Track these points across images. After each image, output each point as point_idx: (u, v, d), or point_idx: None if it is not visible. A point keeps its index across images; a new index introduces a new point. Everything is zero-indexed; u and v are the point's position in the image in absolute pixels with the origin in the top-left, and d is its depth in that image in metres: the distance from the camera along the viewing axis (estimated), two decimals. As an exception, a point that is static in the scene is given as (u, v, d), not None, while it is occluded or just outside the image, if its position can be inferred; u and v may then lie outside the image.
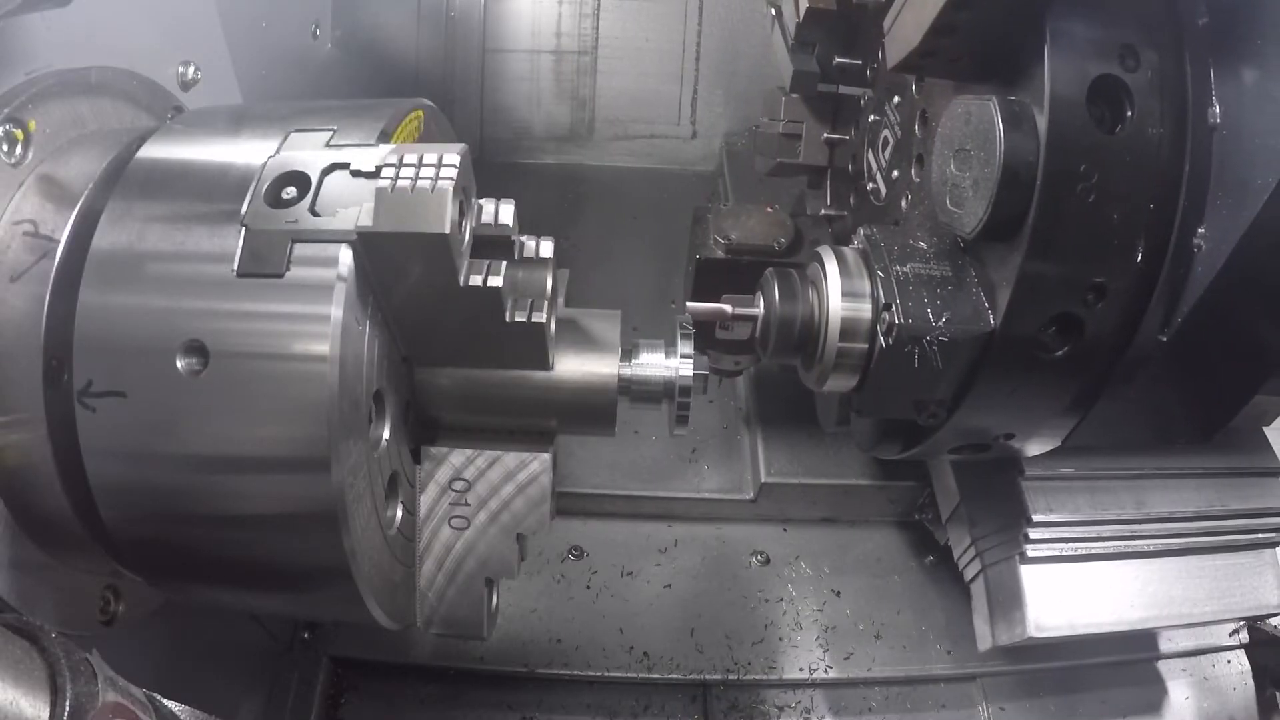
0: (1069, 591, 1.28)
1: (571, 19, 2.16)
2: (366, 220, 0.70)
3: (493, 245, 0.81)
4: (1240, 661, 1.61)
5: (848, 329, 0.99)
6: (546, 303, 0.83)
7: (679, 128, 2.29)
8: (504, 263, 0.78)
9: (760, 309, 1.08)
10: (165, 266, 0.74)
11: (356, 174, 0.72)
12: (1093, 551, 1.30)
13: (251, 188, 0.73)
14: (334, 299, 0.69)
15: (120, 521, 0.77)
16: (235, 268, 0.71)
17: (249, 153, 0.79)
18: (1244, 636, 1.61)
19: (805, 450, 1.61)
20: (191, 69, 1.09)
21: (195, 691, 0.82)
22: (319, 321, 0.69)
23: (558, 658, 1.46)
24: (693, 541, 1.64)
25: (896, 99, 1.20)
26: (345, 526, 0.73)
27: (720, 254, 1.44)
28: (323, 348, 0.68)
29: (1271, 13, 0.81)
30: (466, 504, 0.90)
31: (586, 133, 2.27)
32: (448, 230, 0.70)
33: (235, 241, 0.72)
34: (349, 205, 0.71)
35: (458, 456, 0.90)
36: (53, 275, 0.79)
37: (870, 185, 1.32)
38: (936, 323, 0.92)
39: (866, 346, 0.99)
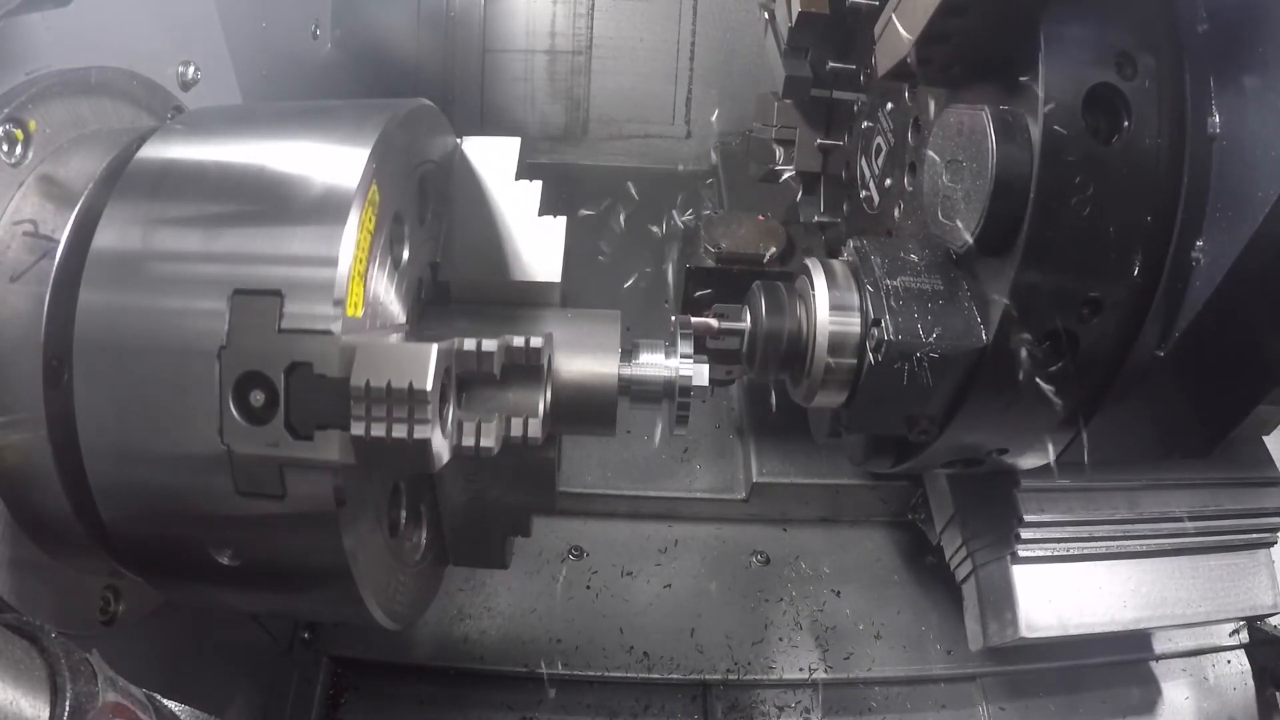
0: (1061, 592, 1.28)
1: (566, 19, 2.16)
2: (349, 455, 0.69)
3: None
4: (1240, 661, 1.61)
5: (836, 344, 0.97)
6: (541, 423, 0.80)
7: (673, 127, 2.30)
8: (493, 424, 0.76)
9: (747, 323, 1.07)
10: (165, 266, 0.74)
11: (321, 378, 0.67)
12: (1085, 552, 1.30)
13: (218, 385, 0.69)
14: (352, 204, 0.70)
15: (120, 521, 0.77)
16: (234, 487, 0.70)
17: (248, 152, 0.79)
18: (1244, 636, 1.61)
19: (797, 450, 1.62)
20: (191, 69, 1.09)
21: (195, 691, 0.82)
22: (335, 224, 0.70)
23: (558, 658, 1.46)
24: (692, 542, 1.64)
25: (890, 105, 1.20)
26: (345, 526, 0.73)
27: (710, 263, 1.44)
28: (334, 250, 0.69)
29: (1273, 20, 0.79)
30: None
31: (580, 132, 2.27)
32: (436, 468, 0.71)
33: (238, 243, 0.73)
34: (325, 421, 0.68)
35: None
36: (53, 275, 0.79)
37: (863, 193, 1.31)
38: (927, 338, 0.90)
39: (855, 362, 0.97)
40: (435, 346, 0.68)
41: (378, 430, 0.67)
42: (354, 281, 0.70)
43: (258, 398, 0.69)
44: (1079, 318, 0.87)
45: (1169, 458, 1.26)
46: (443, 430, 0.72)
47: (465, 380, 0.78)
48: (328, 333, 0.67)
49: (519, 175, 0.98)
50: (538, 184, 0.98)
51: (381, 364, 0.67)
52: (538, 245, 0.95)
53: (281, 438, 0.69)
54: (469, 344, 0.75)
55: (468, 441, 0.76)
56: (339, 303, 0.68)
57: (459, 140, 0.99)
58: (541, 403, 0.81)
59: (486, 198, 0.98)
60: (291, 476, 0.70)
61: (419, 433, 0.67)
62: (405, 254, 0.85)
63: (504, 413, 0.79)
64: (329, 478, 0.70)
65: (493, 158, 0.98)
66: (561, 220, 0.96)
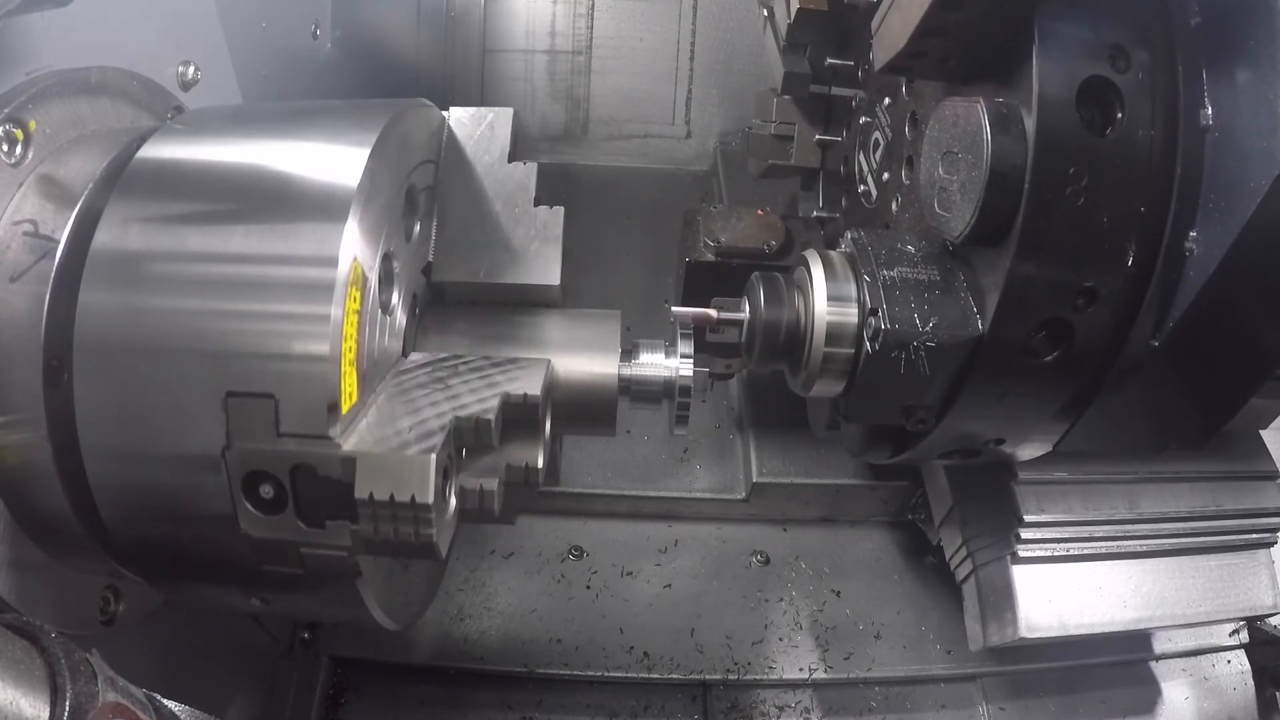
0: (1061, 592, 1.28)
1: (566, 19, 2.17)
2: (360, 546, 0.71)
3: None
4: (1240, 661, 1.61)
5: (834, 334, 0.98)
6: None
7: (673, 127, 2.30)
8: (495, 484, 0.77)
9: (745, 314, 1.08)
10: (165, 266, 0.74)
11: (326, 479, 0.69)
12: (1085, 552, 1.30)
13: (227, 481, 0.70)
14: (334, 299, 0.69)
15: (120, 521, 0.77)
16: (255, 561, 0.73)
17: (248, 152, 0.79)
18: (1244, 636, 1.61)
19: (797, 450, 1.62)
20: (191, 69, 1.09)
21: (195, 691, 0.82)
22: (319, 322, 0.69)
23: (558, 658, 1.46)
24: (692, 542, 1.64)
25: (887, 100, 1.20)
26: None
27: (710, 257, 1.44)
28: (323, 348, 0.69)
29: (1264, 13, 0.80)
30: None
31: (581, 132, 2.27)
32: (441, 557, 0.72)
33: (238, 243, 0.73)
34: (334, 514, 0.70)
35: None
36: (53, 275, 0.79)
37: (861, 188, 1.32)
38: (924, 327, 0.91)
39: (853, 352, 0.98)
40: (433, 459, 0.69)
41: (384, 531, 0.69)
42: (345, 373, 0.70)
43: (267, 491, 0.71)
44: (1074, 307, 0.87)
45: (1165, 448, 1.26)
46: (446, 514, 0.73)
47: (465, 445, 0.78)
48: (325, 438, 0.68)
49: (514, 154, 0.92)
50: (533, 166, 0.93)
51: (382, 475, 0.68)
52: (534, 241, 0.91)
53: (294, 526, 0.71)
54: (467, 413, 0.75)
55: (471, 505, 0.78)
56: (333, 407, 0.68)
57: (445, 113, 0.92)
58: (541, 453, 0.82)
59: (477, 185, 0.91)
60: (308, 552, 0.73)
61: (423, 536, 0.70)
62: (396, 296, 0.82)
63: (505, 465, 0.81)
64: (345, 553, 0.72)
65: (483, 134, 0.91)
66: (559, 211, 0.92)
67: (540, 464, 0.82)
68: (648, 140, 2.30)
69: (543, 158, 2.27)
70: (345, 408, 0.70)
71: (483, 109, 0.94)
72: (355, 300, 0.71)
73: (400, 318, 0.85)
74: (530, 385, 0.80)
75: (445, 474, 0.72)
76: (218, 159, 0.80)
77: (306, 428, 0.68)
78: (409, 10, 2.07)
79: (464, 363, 0.85)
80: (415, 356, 0.86)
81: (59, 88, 0.87)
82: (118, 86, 0.96)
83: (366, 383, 0.76)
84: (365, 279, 0.73)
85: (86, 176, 0.84)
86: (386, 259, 0.79)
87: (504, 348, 0.91)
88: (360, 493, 0.67)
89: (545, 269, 0.91)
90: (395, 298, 0.82)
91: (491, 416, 0.75)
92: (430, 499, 0.68)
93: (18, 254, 0.81)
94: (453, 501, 0.76)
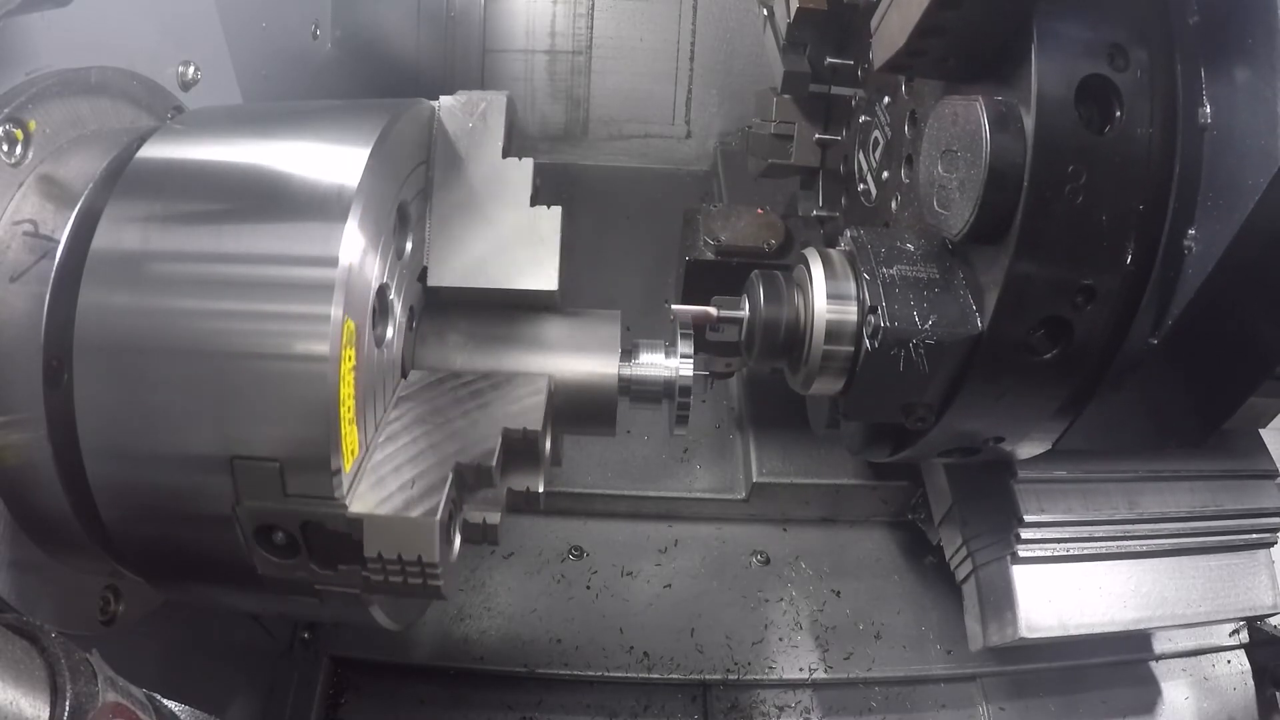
0: (1061, 592, 1.28)
1: (566, 19, 2.17)
2: (371, 587, 0.74)
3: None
4: (1240, 661, 1.61)
5: (833, 332, 0.98)
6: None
7: (673, 127, 2.30)
8: (497, 515, 0.80)
9: (745, 312, 1.08)
10: (165, 266, 0.74)
11: (335, 534, 0.71)
12: (1085, 552, 1.30)
13: (239, 532, 0.73)
14: (334, 300, 0.69)
15: (120, 521, 0.77)
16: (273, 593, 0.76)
17: (248, 152, 0.79)
18: (1244, 636, 1.61)
19: (797, 450, 1.62)
20: (191, 69, 1.09)
21: (195, 691, 0.82)
22: (319, 321, 0.69)
23: (558, 658, 1.46)
24: (692, 542, 1.64)
25: (887, 99, 1.20)
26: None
27: (710, 255, 1.44)
28: (323, 347, 0.69)
29: (1263, 12, 0.80)
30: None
31: (581, 132, 2.27)
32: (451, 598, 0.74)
33: (238, 243, 0.73)
34: (346, 560, 0.73)
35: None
36: (53, 275, 0.79)
37: (861, 186, 1.32)
38: (923, 325, 0.91)
39: (852, 349, 0.98)
40: (437, 523, 0.71)
41: (394, 580, 0.73)
42: (346, 433, 0.71)
43: (280, 538, 0.73)
44: (1073, 305, 0.88)
45: (1164, 446, 1.26)
46: (451, 558, 0.76)
47: (467, 485, 0.80)
48: (331, 498, 0.70)
49: (510, 145, 0.88)
50: (528, 162, 0.90)
51: (389, 537, 0.71)
52: (531, 244, 0.88)
53: (309, 568, 0.73)
54: (468, 458, 0.77)
55: (474, 536, 0.80)
56: (337, 470, 0.70)
57: (434, 103, 0.87)
58: (542, 479, 0.84)
59: (470, 183, 0.88)
60: (322, 587, 0.76)
61: (430, 587, 0.73)
62: (390, 332, 0.82)
63: (506, 492, 0.83)
64: (358, 591, 0.75)
65: (475, 126, 0.87)
66: (557, 212, 0.90)
67: (541, 489, 0.83)
68: (648, 140, 2.30)
69: (543, 158, 2.25)
70: (349, 466, 0.71)
71: (475, 95, 0.89)
72: (351, 359, 0.71)
73: (397, 347, 0.85)
74: (530, 417, 0.81)
75: (449, 524, 0.75)
76: (218, 159, 0.80)
77: (312, 490, 0.70)
78: (409, 10, 2.07)
79: (462, 383, 0.85)
80: (414, 377, 0.86)
81: (59, 88, 0.87)
82: (118, 86, 0.96)
83: (366, 412, 0.76)
84: (360, 334, 0.73)
85: (86, 176, 0.84)
86: (382, 292, 0.79)
87: (503, 351, 0.91)
88: (369, 551, 0.71)
89: (542, 274, 0.89)
90: (390, 331, 0.82)
91: (492, 462, 0.76)
92: (437, 559, 0.71)
93: (18, 254, 0.81)
94: (457, 542, 0.78)
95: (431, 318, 0.93)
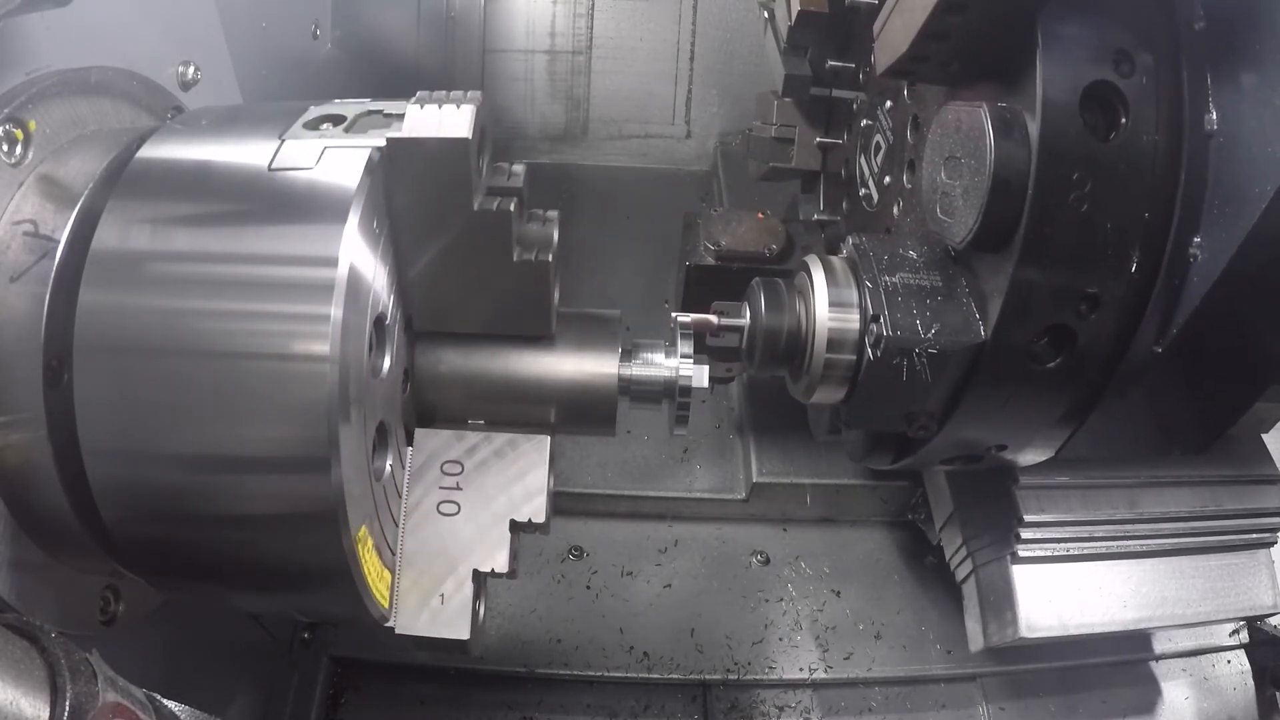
0: (1061, 592, 1.28)
1: (566, 19, 2.16)
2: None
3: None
4: (1240, 661, 1.61)
5: (835, 340, 0.97)
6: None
7: (673, 127, 2.30)
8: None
9: (746, 319, 1.07)
10: (165, 266, 0.74)
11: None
12: (1085, 552, 1.30)
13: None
14: (334, 299, 0.69)
15: (120, 521, 0.77)
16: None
17: (248, 151, 0.79)
18: (1244, 636, 1.61)
19: (797, 450, 1.62)
20: (191, 69, 1.09)
21: (195, 691, 0.82)
22: (319, 321, 0.69)
23: (558, 658, 1.46)
24: (693, 542, 1.64)
25: (889, 103, 1.20)
26: (345, 526, 0.73)
27: (710, 260, 1.43)
28: (323, 347, 0.68)
29: (1269, 17, 0.79)
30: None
31: (581, 132, 2.27)
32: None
33: (238, 243, 0.73)
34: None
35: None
36: (53, 275, 0.79)
37: (863, 191, 1.32)
38: (926, 334, 0.90)
39: (854, 358, 0.97)
40: (468, 638, 0.84)
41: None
42: (374, 586, 0.80)
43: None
44: (1077, 314, 0.87)
45: (1167, 454, 1.26)
46: (478, 626, 0.87)
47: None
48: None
49: (491, 155, 0.80)
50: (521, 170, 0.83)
51: (430, 640, 0.84)
52: (520, 279, 0.82)
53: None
54: (486, 567, 0.87)
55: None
56: (382, 618, 0.82)
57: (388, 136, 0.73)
58: (547, 516, 0.91)
59: (442, 221, 0.78)
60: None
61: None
62: (387, 362, 0.80)
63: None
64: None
65: (440, 155, 0.73)
66: (552, 224, 0.86)
67: (545, 519, 0.90)
68: (648, 140, 2.30)
69: (543, 158, 2.27)
70: (385, 603, 0.83)
71: (442, 107, 0.73)
72: (367, 540, 0.78)
73: (399, 393, 0.86)
74: (535, 508, 0.89)
75: (475, 619, 0.86)
76: (217, 159, 0.79)
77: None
78: (409, 10, 2.07)
79: (467, 452, 0.91)
80: (415, 459, 0.90)
81: (59, 88, 0.87)
82: (118, 86, 0.96)
83: (373, 432, 0.79)
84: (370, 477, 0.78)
85: (86, 176, 0.84)
86: (378, 323, 0.78)
87: (504, 354, 0.91)
88: (416, 648, 0.86)
89: (536, 317, 0.87)
90: (387, 361, 0.81)
91: (505, 570, 0.87)
92: (470, 648, 0.85)
93: (18, 254, 0.80)
94: (481, 611, 0.89)
95: (428, 357, 0.91)
